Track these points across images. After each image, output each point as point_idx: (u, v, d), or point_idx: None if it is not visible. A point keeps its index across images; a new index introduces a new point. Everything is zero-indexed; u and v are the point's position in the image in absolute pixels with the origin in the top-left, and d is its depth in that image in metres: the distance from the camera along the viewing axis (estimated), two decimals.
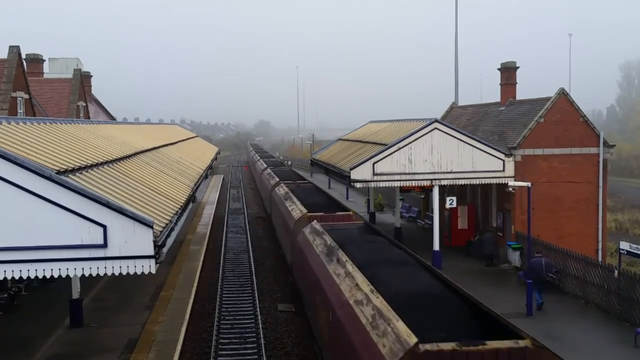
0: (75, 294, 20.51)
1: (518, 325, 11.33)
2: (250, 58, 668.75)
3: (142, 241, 12.51)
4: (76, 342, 19.08)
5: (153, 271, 12.73)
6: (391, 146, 29.13)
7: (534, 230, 25.36)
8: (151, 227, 12.62)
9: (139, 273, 12.65)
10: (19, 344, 18.74)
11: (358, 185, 29.76)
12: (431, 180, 29.54)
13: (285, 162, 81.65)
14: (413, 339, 9.91)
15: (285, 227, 27.69)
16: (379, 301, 12.23)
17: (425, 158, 29.26)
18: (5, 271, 12.31)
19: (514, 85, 35.36)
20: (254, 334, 20.86)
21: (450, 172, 29.41)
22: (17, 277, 12.42)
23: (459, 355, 9.65)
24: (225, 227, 42.70)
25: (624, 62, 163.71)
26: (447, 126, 29.91)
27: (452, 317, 11.95)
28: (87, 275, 12.61)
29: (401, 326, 10.65)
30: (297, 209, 26.24)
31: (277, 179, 41.17)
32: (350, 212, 25.13)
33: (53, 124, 21.01)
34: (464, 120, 38.59)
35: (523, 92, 36.42)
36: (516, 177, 29.26)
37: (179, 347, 18.50)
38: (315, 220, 22.08)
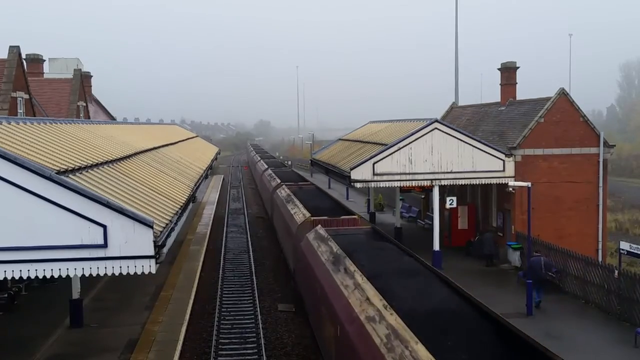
0: (76, 294, 20.51)
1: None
2: (250, 58, 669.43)
3: (142, 241, 12.51)
4: (76, 342, 19.08)
5: (153, 271, 12.73)
6: (391, 146, 29.14)
7: (534, 230, 25.37)
8: (151, 227, 12.62)
9: (139, 273, 12.65)
10: (19, 344, 18.74)
11: (358, 185, 29.76)
12: (431, 180, 29.55)
13: (286, 162, 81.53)
14: None
15: (287, 231, 26.79)
16: (393, 319, 11.29)
17: (425, 158, 29.26)
18: (5, 271, 12.31)
19: (514, 85, 35.37)
20: (254, 334, 20.87)
21: (451, 172, 29.42)
22: (17, 277, 12.41)
23: None
24: (225, 227, 42.71)
25: (624, 62, 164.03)
26: (447, 126, 29.92)
27: (474, 337, 11.13)
28: (87, 275, 12.61)
29: (421, 350, 9.80)
30: (299, 213, 25.39)
31: (279, 181, 40.00)
32: (356, 216, 24.34)
33: (53, 124, 21.00)
34: (464, 120, 38.60)
35: (523, 92, 36.48)
36: (516, 177, 29.27)
37: (179, 347, 18.50)
38: (319, 225, 21.24)
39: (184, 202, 18.86)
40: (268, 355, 19.03)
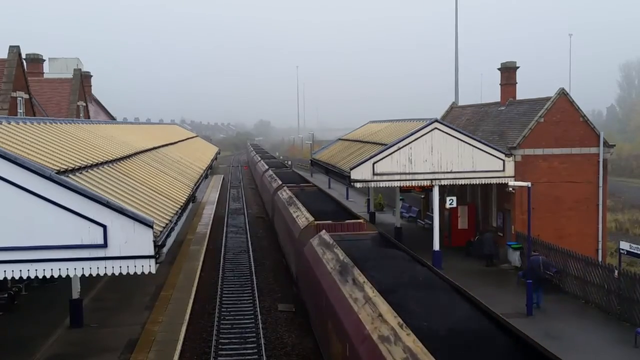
0: (75, 294, 20.52)
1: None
2: (250, 58, 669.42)
3: (142, 241, 12.51)
4: (76, 342, 19.08)
5: (153, 271, 12.73)
6: (391, 146, 29.14)
7: (534, 230, 25.37)
8: (151, 227, 12.62)
9: (139, 273, 12.65)
10: (19, 344, 18.74)
11: (358, 185, 29.76)
12: (431, 180, 29.55)
13: (286, 162, 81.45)
14: None
15: (290, 235, 25.67)
16: (411, 340, 10.27)
17: (425, 158, 29.26)
18: (5, 271, 12.31)
19: (514, 85, 35.37)
20: (254, 334, 20.87)
21: (450, 172, 29.42)
22: (17, 277, 12.42)
23: None
24: (225, 227, 42.71)
25: (624, 62, 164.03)
26: (447, 126, 29.92)
27: None
28: (87, 275, 12.61)
29: None
30: (302, 216, 24.34)
31: (280, 182, 38.87)
32: (361, 220, 23.23)
33: (53, 124, 21.00)
34: (464, 120, 38.60)
35: (523, 92, 36.49)
36: (516, 177, 29.27)
37: (179, 347, 18.50)
38: (323, 230, 20.23)
39: (184, 202, 18.86)
40: (268, 356, 19.03)
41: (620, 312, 22.08)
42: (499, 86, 35.86)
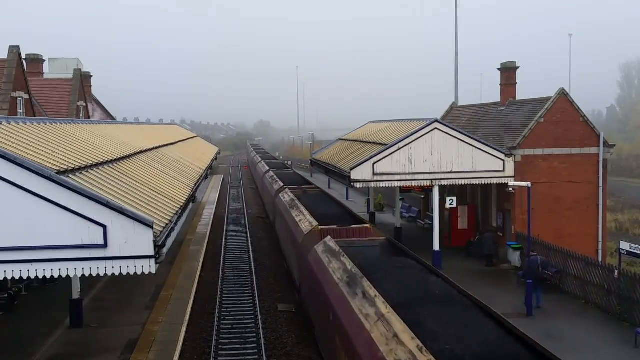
0: (75, 294, 20.52)
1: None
2: (251, 58, 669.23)
3: (142, 241, 12.51)
4: (76, 342, 19.08)
5: (153, 271, 12.73)
6: (391, 146, 29.15)
7: (534, 230, 25.37)
8: (151, 227, 12.61)
9: (139, 273, 12.64)
10: (19, 344, 18.74)
11: (358, 185, 29.76)
12: (431, 180, 29.55)
13: (286, 162, 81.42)
14: None
15: (292, 240, 24.63)
16: None
17: (425, 158, 29.27)
18: (5, 271, 12.31)
19: (514, 85, 35.39)
20: (254, 334, 20.87)
21: (450, 172, 29.43)
22: (17, 277, 12.41)
23: None
24: (225, 227, 42.71)
25: (624, 62, 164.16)
26: (447, 126, 29.92)
27: None
28: (87, 275, 12.60)
29: None
30: (305, 221, 23.28)
31: (281, 184, 37.46)
32: (368, 225, 22.17)
33: (53, 124, 21.00)
34: (464, 120, 38.61)
35: (523, 92, 36.50)
36: (516, 177, 29.28)
37: (179, 347, 18.50)
38: (328, 237, 19.06)
39: (184, 202, 18.86)
40: (268, 356, 19.03)
41: (620, 312, 22.08)
42: (499, 86, 35.87)
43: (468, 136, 29.85)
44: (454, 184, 30.05)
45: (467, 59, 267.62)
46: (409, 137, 29.21)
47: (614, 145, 32.55)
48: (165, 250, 13.37)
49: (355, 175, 29.01)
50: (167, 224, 14.67)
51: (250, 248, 35.30)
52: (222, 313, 23.25)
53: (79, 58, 51.41)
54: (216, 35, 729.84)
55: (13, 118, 18.46)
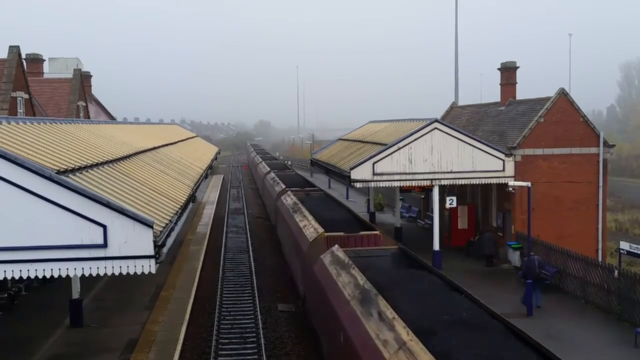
0: (75, 294, 20.52)
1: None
2: (251, 58, 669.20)
3: (142, 241, 12.50)
4: (76, 342, 19.08)
5: (153, 271, 12.72)
6: (391, 146, 29.15)
7: (534, 230, 25.37)
8: (151, 227, 12.61)
9: (139, 273, 12.64)
10: (19, 344, 18.75)
11: (358, 185, 29.77)
12: (431, 180, 29.55)
13: (286, 162, 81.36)
14: None
15: (296, 247, 23.24)
16: None
17: (425, 158, 29.27)
18: (5, 271, 12.30)
19: (514, 85, 35.39)
20: (254, 334, 20.87)
21: (450, 172, 29.43)
22: (17, 277, 12.41)
23: None
24: (225, 227, 42.71)
25: (624, 62, 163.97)
26: (447, 126, 29.93)
27: None
28: (87, 275, 12.60)
29: None
30: (310, 226, 21.94)
31: (283, 186, 36.20)
32: (377, 232, 20.37)
33: (53, 124, 21.00)
34: (463, 120, 38.61)
35: (523, 92, 36.49)
36: (516, 177, 29.27)
37: (179, 347, 18.50)
38: (336, 245, 17.62)
39: (184, 202, 18.86)
40: (268, 355, 19.03)
41: (620, 312, 22.08)
42: (499, 86, 35.87)
43: (468, 136, 29.85)
44: (454, 183, 30.06)
45: (467, 59, 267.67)
46: (409, 137, 29.21)
47: (614, 145, 32.57)
48: (165, 250, 13.37)
49: (355, 175, 29.02)
50: (167, 224, 14.67)
51: (250, 248, 35.30)
52: (222, 313, 23.25)
53: (79, 58, 51.43)
54: (216, 35, 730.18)
55: (13, 118, 18.45)
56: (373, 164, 28.96)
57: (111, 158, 19.26)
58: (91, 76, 52.21)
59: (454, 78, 49.60)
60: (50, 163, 14.22)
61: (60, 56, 50.79)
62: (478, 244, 31.10)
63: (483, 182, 30.33)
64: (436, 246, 29.77)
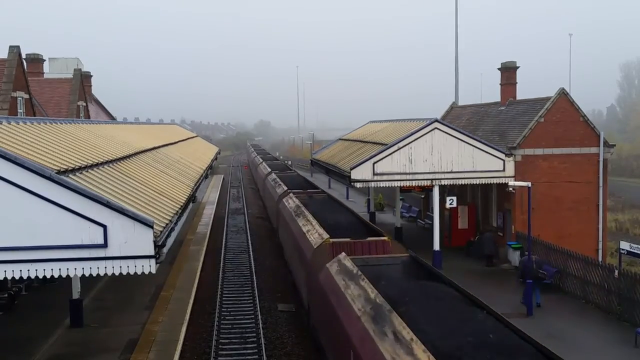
0: (76, 294, 20.52)
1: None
2: (251, 58, 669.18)
3: (142, 241, 12.51)
4: (76, 342, 19.08)
5: (153, 271, 12.73)
6: (391, 146, 29.15)
7: (534, 230, 25.36)
8: (151, 227, 12.61)
9: (139, 273, 12.64)
10: (19, 344, 18.74)
11: (358, 185, 29.77)
12: (431, 180, 29.55)
13: (286, 162, 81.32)
14: None
15: (299, 254, 22.24)
16: None
17: (426, 158, 29.27)
18: (5, 271, 12.31)
19: (514, 85, 35.38)
20: (254, 334, 20.87)
21: (451, 172, 29.43)
22: (17, 277, 12.42)
23: None
24: (225, 227, 42.71)
25: (624, 62, 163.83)
26: (447, 126, 29.93)
27: None
28: (87, 275, 12.61)
29: None
30: (314, 232, 20.87)
31: (285, 188, 35.10)
32: (386, 238, 19.05)
33: (53, 124, 21.00)
34: (464, 120, 38.61)
35: (523, 92, 36.49)
36: (516, 177, 29.27)
37: (179, 347, 18.50)
38: (343, 253, 16.63)
39: (184, 202, 18.86)
40: (268, 355, 19.03)
41: (620, 312, 22.08)
42: (499, 86, 35.87)
43: (468, 136, 29.85)
44: (454, 183, 30.06)
45: (467, 59, 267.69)
46: (409, 137, 29.21)
47: (614, 145, 32.56)
48: (165, 250, 13.37)
49: (355, 175, 29.02)
50: (167, 224, 14.67)
51: (250, 248, 35.30)
52: (222, 313, 23.25)
53: (79, 58, 51.42)
54: (216, 35, 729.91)
55: (13, 118, 18.46)
56: (373, 164, 28.96)
57: (111, 158, 19.27)
58: (91, 76, 52.22)
59: (454, 78, 49.65)
60: (50, 163, 14.23)
61: (60, 56, 50.81)
62: (478, 244, 31.09)
63: (483, 182, 30.33)
64: (436, 246, 29.77)
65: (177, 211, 16.88)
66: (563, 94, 30.60)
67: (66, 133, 20.38)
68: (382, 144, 30.72)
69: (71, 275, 12.68)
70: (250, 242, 36.99)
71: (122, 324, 20.72)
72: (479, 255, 30.68)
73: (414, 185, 31.92)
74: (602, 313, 22.84)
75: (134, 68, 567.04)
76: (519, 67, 35.20)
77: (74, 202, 12.27)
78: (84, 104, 40.78)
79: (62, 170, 14.04)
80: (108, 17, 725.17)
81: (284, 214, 29.38)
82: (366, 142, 36.36)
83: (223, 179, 78.74)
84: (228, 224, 44.68)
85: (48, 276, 12.48)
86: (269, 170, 52.27)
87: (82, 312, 20.68)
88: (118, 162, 19.61)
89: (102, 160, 17.93)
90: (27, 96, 29.08)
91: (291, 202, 29.32)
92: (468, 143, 29.44)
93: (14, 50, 27.87)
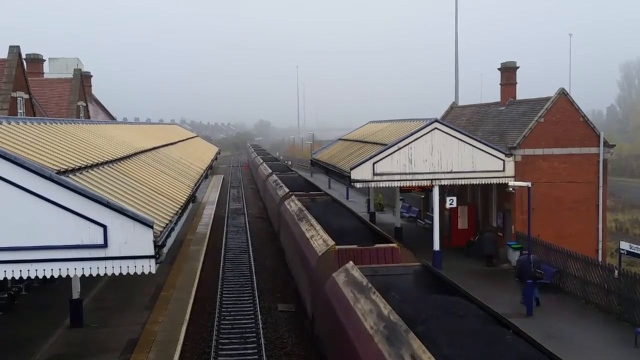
0: (76, 294, 20.52)
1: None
2: (251, 58, 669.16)
3: (142, 241, 12.51)
4: (76, 342, 19.08)
5: (153, 271, 12.73)
6: (391, 146, 29.15)
7: (534, 230, 25.37)
8: (151, 227, 12.61)
9: (139, 273, 12.65)
10: (19, 344, 18.75)
11: (358, 185, 29.77)
12: (431, 180, 29.55)
13: (286, 162, 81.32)
14: None
15: (303, 261, 21.20)
16: None
17: (426, 158, 29.27)
18: (5, 271, 12.31)
19: (514, 85, 35.39)
20: (254, 334, 20.87)
21: (451, 172, 29.43)
22: (17, 277, 12.42)
23: None
24: (225, 227, 42.71)
25: (624, 62, 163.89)
26: (447, 126, 29.93)
27: None
28: (87, 275, 12.61)
29: None
30: (318, 238, 19.71)
31: (287, 190, 33.89)
32: (395, 245, 17.94)
33: (53, 124, 21.01)
34: (463, 120, 38.61)
35: (523, 92, 36.51)
36: (516, 177, 29.27)
37: (179, 347, 18.50)
38: (350, 262, 15.49)
39: (184, 202, 18.86)
40: (268, 355, 19.03)
41: (620, 312, 22.08)
42: (499, 86, 35.87)
43: (468, 136, 29.86)
44: (454, 184, 30.06)
45: (467, 59, 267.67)
46: (409, 137, 29.21)
47: (614, 145, 32.57)
48: (165, 250, 13.38)
49: (355, 175, 29.02)
50: (167, 224, 14.67)
51: (250, 248, 35.30)
52: (222, 313, 23.25)
53: (79, 58, 51.45)
54: (216, 35, 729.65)
55: (13, 118, 18.46)
56: (373, 164, 28.96)
57: (111, 158, 19.27)
58: (91, 76, 52.23)
59: (454, 78, 49.63)
60: (50, 163, 14.23)
61: (60, 56, 50.83)
62: (478, 244, 31.10)
63: (483, 182, 30.33)
64: (436, 246, 29.77)
65: (177, 211, 16.88)
66: (563, 94, 30.61)
67: (66, 133, 20.39)
68: (382, 144, 30.72)
69: (71, 275, 12.68)
70: (250, 242, 37.00)
71: (122, 324, 20.72)
72: (479, 255, 30.69)
73: (414, 185, 31.92)
74: (602, 313, 22.84)
75: (134, 68, 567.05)
76: (519, 67, 35.21)
77: (74, 202, 12.27)
78: (84, 104, 40.79)
79: (62, 170, 14.04)
80: (108, 17, 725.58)
81: (286, 217, 28.23)
82: (366, 142, 36.36)
83: (223, 179, 78.75)
84: (228, 223, 44.69)
85: (48, 276, 12.49)
86: (270, 171, 51.12)
87: (82, 312, 20.68)
88: (118, 162, 19.62)
89: (102, 160, 17.93)
90: (27, 96, 29.09)
91: (293, 205, 28.13)
92: (468, 143, 29.45)
93: (14, 50, 27.88)
